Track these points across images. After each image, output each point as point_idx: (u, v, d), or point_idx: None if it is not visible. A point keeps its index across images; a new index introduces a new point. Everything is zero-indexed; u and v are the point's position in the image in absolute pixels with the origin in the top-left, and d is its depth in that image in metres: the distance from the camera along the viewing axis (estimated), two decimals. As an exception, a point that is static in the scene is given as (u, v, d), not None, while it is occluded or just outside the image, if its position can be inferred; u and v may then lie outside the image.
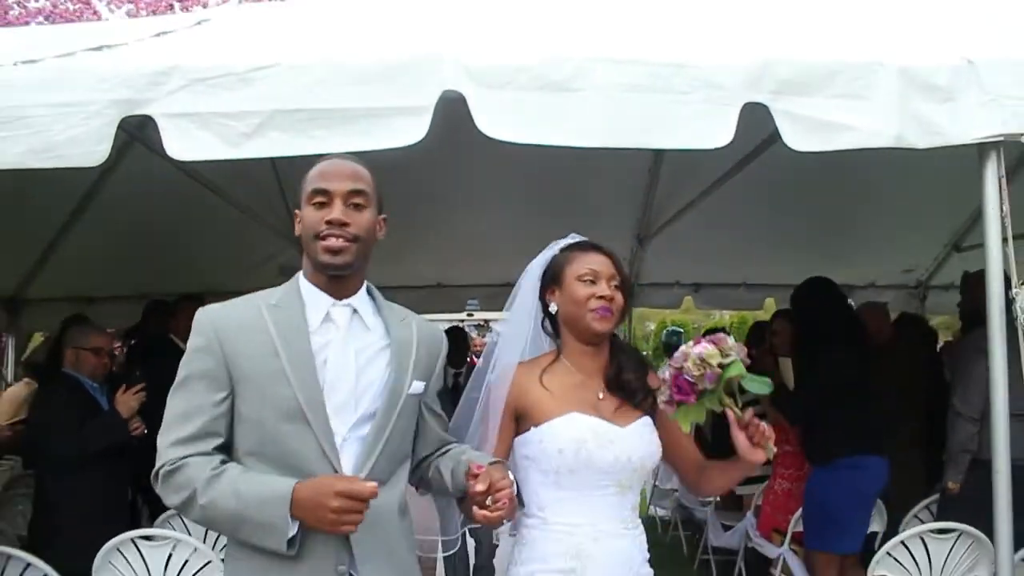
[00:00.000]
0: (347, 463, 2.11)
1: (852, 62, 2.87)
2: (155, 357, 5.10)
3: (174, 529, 3.83)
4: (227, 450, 2.12)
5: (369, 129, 2.75)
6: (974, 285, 4.16)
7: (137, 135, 3.15)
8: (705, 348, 2.19)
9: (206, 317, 2.17)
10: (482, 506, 2.09)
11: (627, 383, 2.46)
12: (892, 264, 7.26)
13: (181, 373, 2.14)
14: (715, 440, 5.16)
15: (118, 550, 3.60)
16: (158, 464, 2.08)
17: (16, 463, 5.76)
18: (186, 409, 2.09)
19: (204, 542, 3.68)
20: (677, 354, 2.24)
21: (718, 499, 6.41)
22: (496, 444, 2.46)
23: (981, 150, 2.94)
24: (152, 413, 2.20)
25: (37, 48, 3.09)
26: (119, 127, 2.79)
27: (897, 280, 7.55)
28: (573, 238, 2.59)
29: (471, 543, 5.42)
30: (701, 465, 2.56)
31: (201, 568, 3.60)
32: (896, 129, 2.83)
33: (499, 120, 2.76)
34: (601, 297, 2.41)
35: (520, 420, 2.45)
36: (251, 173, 4.26)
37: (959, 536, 3.76)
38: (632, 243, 6.62)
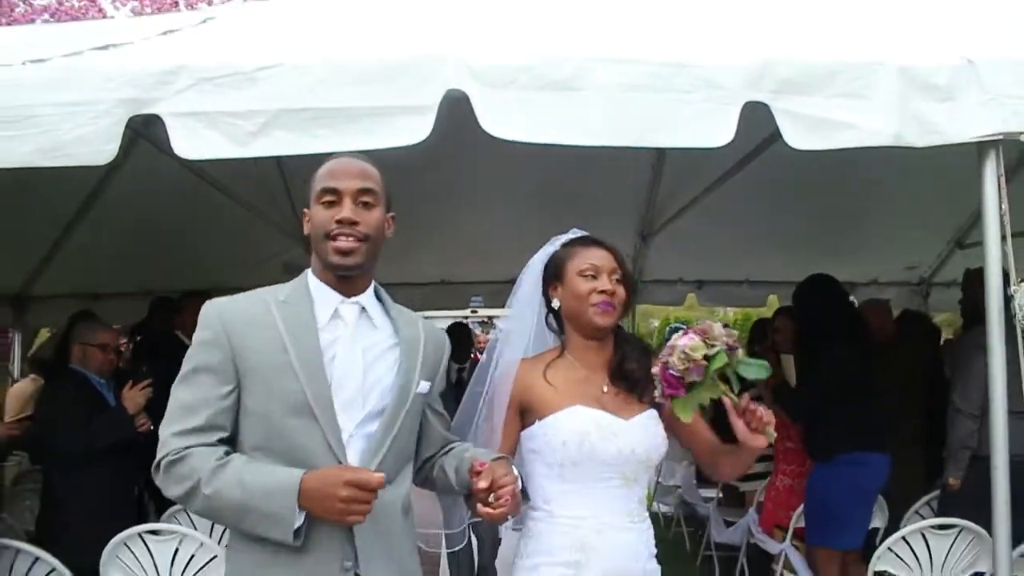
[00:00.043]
0: (353, 459, 2.11)
1: (852, 61, 2.89)
2: (161, 353, 5.12)
3: (180, 524, 3.85)
4: (231, 444, 2.11)
5: (374, 128, 2.78)
6: (974, 282, 4.18)
7: (143, 133, 3.18)
8: (690, 340, 2.19)
9: (214, 311, 2.17)
10: (485, 503, 2.10)
11: (630, 373, 2.46)
12: (895, 261, 7.26)
13: (187, 365, 2.14)
14: (717, 427, 5.19)
15: (125, 544, 3.63)
16: (160, 454, 2.07)
17: (23, 459, 5.80)
18: (191, 401, 2.08)
19: (210, 537, 3.71)
20: (665, 347, 2.24)
21: (720, 495, 6.44)
22: (501, 439, 2.47)
23: (980, 149, 2.96)
24: (158, 409, 2.17)
25: (44, 47, 3.12)
26: (126, 125, 2.82)
27: (900, 277, 7.54)
28: (574, 233, 2.60)
29: (474, 540, 5.43)
30: (716, 449, 2.55)
31: (207, 563, 3.63)
32: (895, 128, 2.85)
33: (502, 119, 2.78)
34: (602, 292, 2.42)
35: (525, 414, 2.47)
36: (256, 171, 4.29)
37: (960, 532, 3.77)
38: (635, 240, 6.63)
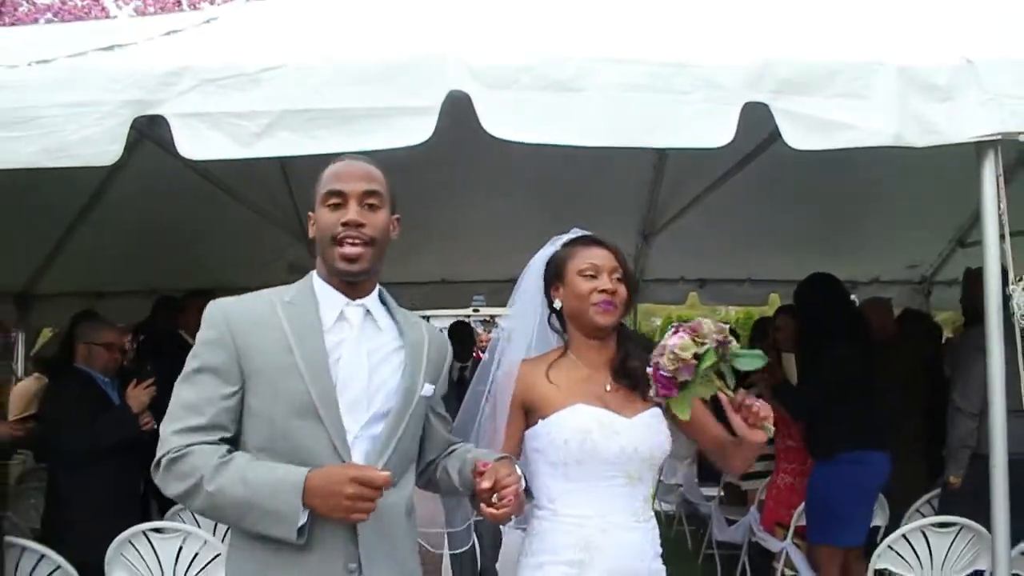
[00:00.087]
0: (358, 461, 2.10)
1: (852, 62, 2.90)
2: (164, 352, 5.14)
3: (184, 522, 3.87)
4: (233, 445, 2.10)
5: (376, 129, 2.79)
6: (974, 282, 4.20)
7: (147, 133, 3.19)
8: (680, 340, 2.19)
9: (219, 310, 2.16)
10: (489, 503, 2.10)
11: (633, 371, 2.45)
12: (896, 260, 7.26)
13: (191, 364, 2.12)
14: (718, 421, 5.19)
15: (130, 542, 3.65)
16: (161, 451, 2.04)
17: (28, 457, 5.82)
18: (194, 400, 2.07)
19: (214, 535, 3.73)
20: (656, 347, 2.24)
21: (722, 494, 6.45)
22: (505, 439, 2.48)
23: (979, 149, 2.97)
24: (162, 408, 2.15)
25: (48, 47, 3.14)
26: (130, 126, 2.83)
27: (901, 276, 7.53)
28: (575, 233, 2.60)
29: (476, 541, 5.42)
30: (724, 441, 2.51)
31: (211, 560, 3.65)
32: (895, 128, 2.86)
33: (503, 120, 2.80)
34: (603, 291, 2.42)
35: (529, 414, 2.47)
36: (259, 171, 4.30)
37: (960, 530, 3.79)
38: (637, 239, 6.64)
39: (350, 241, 2.13)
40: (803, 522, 4.82)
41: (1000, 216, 2.96)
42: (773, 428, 2.25)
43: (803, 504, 4.80)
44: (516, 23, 3.30)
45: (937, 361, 5.63)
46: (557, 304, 2.54)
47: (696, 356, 2.17)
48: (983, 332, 3.06)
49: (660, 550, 2.50)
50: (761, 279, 7.60)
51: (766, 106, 2.86)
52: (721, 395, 2.23)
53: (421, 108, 2.80)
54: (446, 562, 4.58)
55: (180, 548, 3.68)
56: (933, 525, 3.88)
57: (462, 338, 6.77)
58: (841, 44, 3.10)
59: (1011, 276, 2.98)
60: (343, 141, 2.76)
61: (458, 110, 2.82)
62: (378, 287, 2.28)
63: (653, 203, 6.19)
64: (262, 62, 2.85)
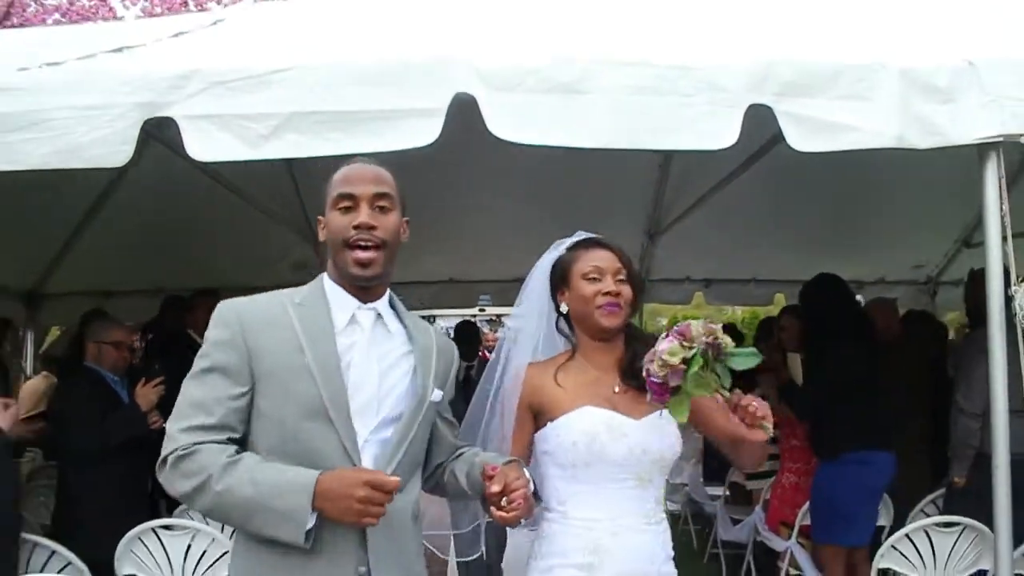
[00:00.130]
0: (367, 465, 2.09)
1: (854, 64, 2.92)
2: (172, 352, 5.18)
3: (192, 520, 3.90)
4: (241, 446, 2.07)
5: (384, 131, 2.81)
6: (978, 282, 4.21)
7: (155, 134, 3.22)
8: (669, 344, 2.17)
9: (231, 310, 2.14)
10: (499, 506, 2.11)
11: (640, 372, 2.39)
12: (902, 260, 7.25)
13: (200, 364, 2.10)
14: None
15: (139, 539, 3.69)
16: (168, 449, 2.02)
17: (37, 455, 5.85)
18: (203, 399, 2.05)
19: (222, 532, 3.76)
20: (648, 353, 2.23)
21: (727, 493, 6.47)
22: (514, 442, 2.49)
23: (981, 150, 2.99)
24: (170, 407, 2.13)
25: (57, 49, 3.17)
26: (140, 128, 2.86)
27: (907, 276, 7.52)
28: (579, 235, 2.60)
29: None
30: (734, 438, 2.45)
31: (219, 558, 3.68)
32: (897, 130, 2.87)
33: (509, 122, 2.82)
34: (607, 293, 2.42)
35: (537, 417, 2.47)
36: (265, 171, 4.32)
37: (963, 530, 3.80)
38: (643, 239, 6.64)
39: (362, 244, 2.13)
40: (808, 521, 4.83)
41: (1003, 217, 2.97)
42: (772, 427, 2.24)
43: (808, 503, 4.81)
44: (522, 26, 3.32)
45: (942, 361, 5.63)
46: (563, 308, 2.54)
47: (685, 360, 2.16)
48: (987, 333, 3.07)
49: (672, 553, 2.49)
50: (766, 279, 7.59)
51: (770, 108, 2.88)
52: (717, 395, 2.21)
53: (428, 110, 2.82)
54: (452, 565, 4.59)
55: (189, 545, 3.72)
56: (936, 525, 3.89)
57: (468, 338, 6.80)
58: (843, 46, 3.11)
59: (1014, 277, 2.99)
60: (350, 143, 2.78)
61: (465, 110, 2.83)
62: (388, 291, 2.27)
63: (659, 203, 6.19)
64: (270, 64, 2.87)
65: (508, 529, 2.62)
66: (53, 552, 3.69)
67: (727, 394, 2.20)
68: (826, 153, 2.90)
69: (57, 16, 12.27)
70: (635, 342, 2.51)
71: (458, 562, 4.59)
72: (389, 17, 3.55)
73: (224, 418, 2.05)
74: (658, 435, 2.41)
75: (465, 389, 2.86)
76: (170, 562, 3.70)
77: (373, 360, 2.16)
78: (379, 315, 2.22)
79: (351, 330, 2.17)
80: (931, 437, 5.14)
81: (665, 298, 8.11)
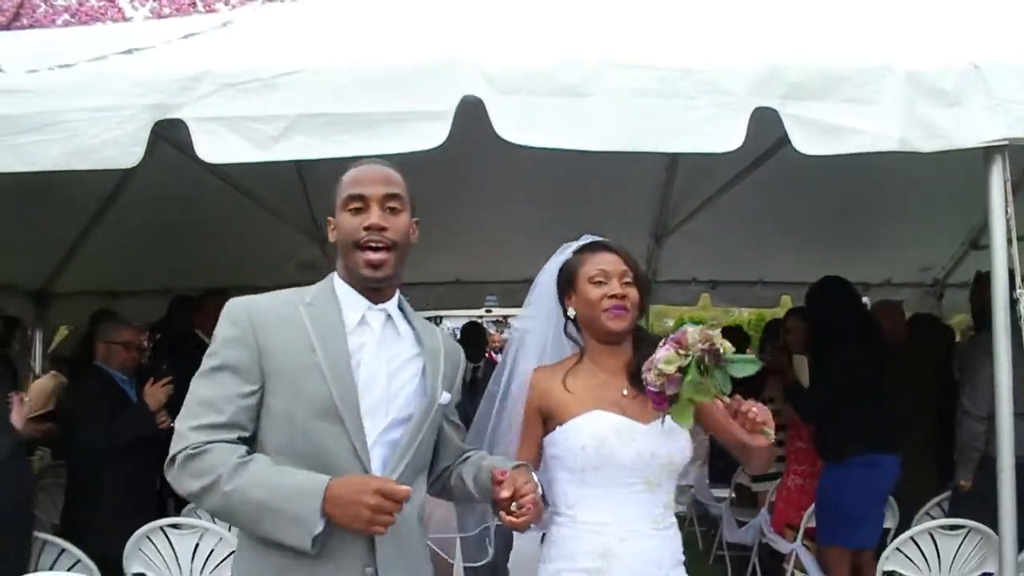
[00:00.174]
0: (376, 465, 2.09)
1: (860, 67, 2.93)
2: (180, 352, 5.21)
3: (200, 519, 3.92)
4: (250, 444, 2.05)
5: (391, 133, 2.83)
6: (984, 285, 4.21)
7: (164, 135, 3.24)
8: (666, 353, 2.18)
9: (241, 308, 2.12)
10: (508, 511, 2.11)
11: None
12: (909, 262, 7.25)
13: (210, 361, 2.08)
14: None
15: (148, 537, 3.71)
16: (177, 447, 1.99)
17: (45, 454, 5.89)
18: (213, 397, 2.03)
19: (230, 531, 3.78)
20: (645, 362, 2.24)
21: (733, 495, 6.47)
22: (523, 447, 2.49)
23: (987, 154, 2.99)
24: (178, 407, 2.11)
25: (68, 51, 3.19)
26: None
27: (914, 278, 7.52)
28: (585, 239, 2.60)
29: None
30: (742, 440, 2.46)
31: (227, 557, 3.70)
32: (902, 133, 2.89)
33: (515, 124, 2.83)
34: (613, 296, 2.42)
35: (547, 421, 2.47)
36: (273, 171, 4.35)
37: (968, 532, 3.80)
38: (649, 241, 6.65)
39: (373, 245, 2.12)
40: (813, 524, 4.83)
41: (1008, 220, 2.98)
42: (774, 432, 2.24)
43: (813, 505, 4.81)
44: (528, 29, 3.33)
45: (947, 364, 5.63)
46: (571, 312, 2.54)
47: (681, 369, 2.17)
48: (992, 336, 3.07)
49: (682, 557, 2.48)
50: (773, 281, 7.59)
51: (775, 111, 2.89)
52: (717, 402, 2.22)
53: (435, 113, 2.84)
54: (458, 568, 4.60)
55: (197, 544, 3.74)
56: (941, 528, 3.89)
57: (475, 339, 6.81)
58: (849, 49, 3.12)
59: (1019, 280, 2.99)
60: (358, 145, 2.80)
61: (472, 112, 2.85)
62: (398, 293, 2.27)
63: (665, 205, 6.21)
64: (280, 67, 2.89)
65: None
66: (63, 550, 3.73)
67: (727, 400, 2.21)
68: (831, 156, 2.91)
69: (66, 17, 12.30)
70: (644, 345, 2.47)
71: (465, 567, 4.60)
72: (397, 20, 3.57)
73: (234, 416, 2.03)
74: (667, 439, 2.39)
75: (471, 390, 2.86)
76: (178, 561, 3.73)
77: (383, 361, 2.15)
78: (389, 316, 2.21)
79: (361, 330, 2.16)
80: (937, 440, 5.13)
81: (671, 300, 8.12)
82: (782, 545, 5.21)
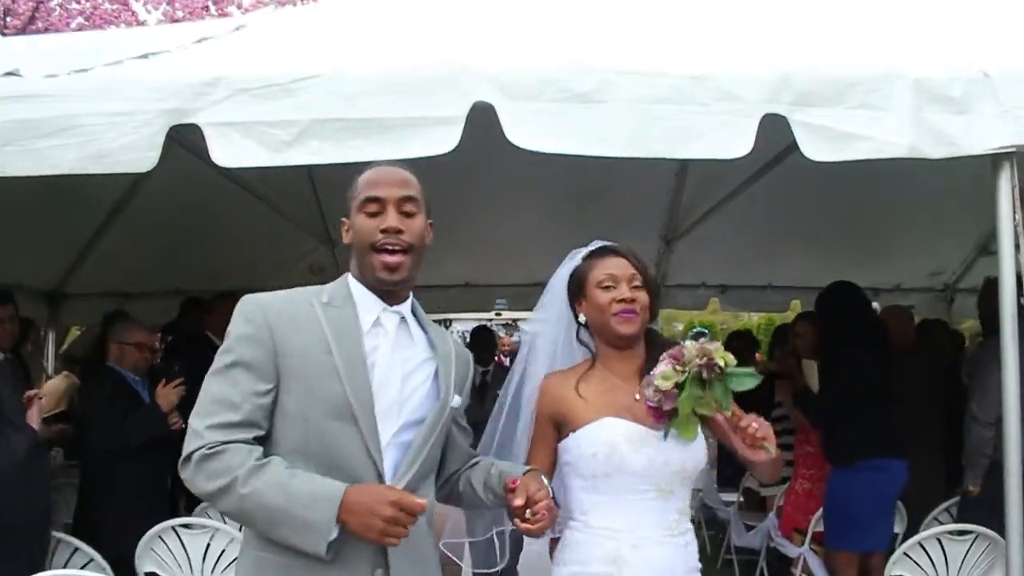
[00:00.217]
0: (388, 468, 2.08)
1: (869, 74, 2.94)
2: (192, 353, 5.24)
3: (210, 518, 3.96)
4: (264, 444, 2.03)
5: (404, 138, 2.85)
6: (993, 291, 4.21)
7: (178, 138, 3.27)
8: (663, 369, 2.19)
9: (257, 306, 2.10)
10: (523, 518, 2.11)
11: None
12: (919, 267, 7.24)
13: (225, 358, 2.05)
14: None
15: (159, 537, 3.75)
16: (193, 446, 1.96)
17: (58, 454, 5.93)
18: (228, 395, 2.00)
19: (240, 531, 3.81)
20: (645, 377, 2.26)
21: (741, 499, 6.47)
22: (536, 453, 2.50)
23: (995, 161, 3.00)
24: (189, 408, 2.09)
25: (84, 55, 3.23)
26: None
27: (924, 283, 7.51)
28: (595, 244, 2.59)
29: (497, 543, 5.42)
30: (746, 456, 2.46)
31: (238, 557, 3.73)
32: (910, 140, 2.90)
33: (527, 131, 2.85)
34: (621, 300, 2.41)
35: (560, 427, 2.47)
36: (284, 175, 4.39)
37: (976, 538, 3.81)
38: (659, 245, 6.66)
39: (389, 248, 2.11)
40: (820, 528, 4.83)
41: (1016, 227, 2.99)
42: (773, 450, 2.23)
43: (820, 509, 4.81)
44: (540, 37, 3.35)
45: (956, 369, 5.63)
46: (582, 318, 2.54)
47: (678, 385, 2.18)
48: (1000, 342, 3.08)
49: (698, 564, 2.49)
50: (782, 285, 7.59)
51: (784, 118, 2.90)
52: (718, 416, 2.22)
53: (447, 118, 2.86)
54: (467, 573, 4.61)
55: (208, 544, 3.77)
56: (949, 533, 3.90)
57: (485, 343, 6.84)
58: (858, 57, 3.13)
59: (1026, 286, 3.00)
60: (371, 149, 2.82)
61: (484, 116, 2.87)
62: (411, 296, 2.26)
63: (675, 209, 6.21)
64: (293, 72, 2.92)
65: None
66: (76, 549, 3.77)
67: (727, 413, 2.21)
68: (840, 162, 2.93)
69: (81, 20, 12.39)
70: (656, 350, 2.46)
71: (475, 573, 4.61)
72: (409, 25, 3.60)
73: (250, 415, 2.01)
74: (679, 446, 2.36)
75: (480, 395, 2.88)
76: (189, 560, 3.76)
77: (397, 363, 2.14)
78: (403, 318, 2.21)
79: (375, 332, 2.15)
80: (945, 445, 5.13)
81: (681, 303, 8.13)
82: (790, 549, 5.21)
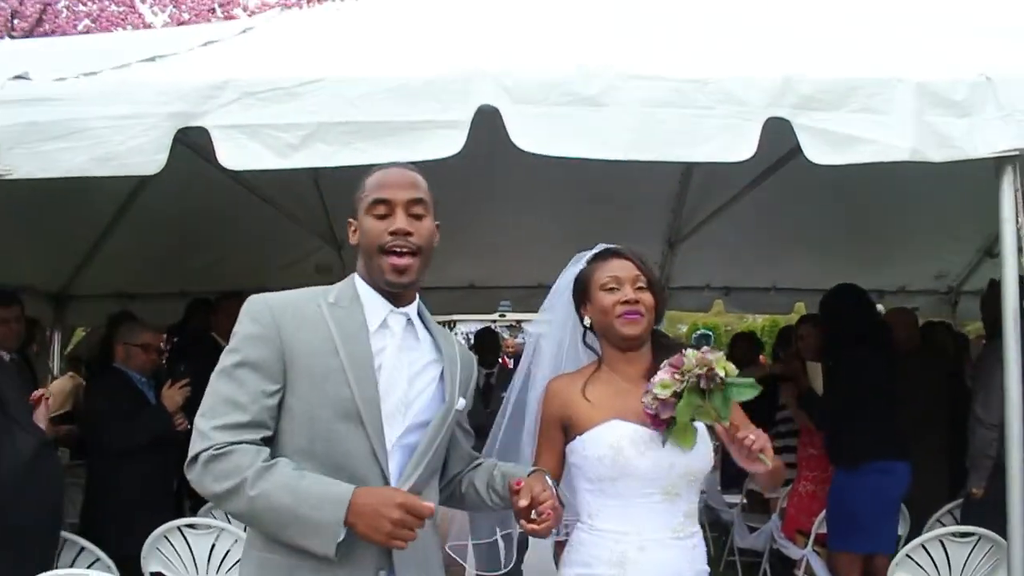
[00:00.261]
0: (393, 470, 2.08)
1: (871, 77, 2.95)
2: (197, 354, 5.26)
3: (216, 519, 3.96)
4: (270, 445, 2.02)
5: (409, 141, 2.87)
6: (996, 293, 4.21)
7: (185, 140, 3.29)
8: (662, 378, 2.19)
9: (264, 306, 2.09)
10: (528, 520, 2.12)
11: None
12: (924, 269, 7.22)
13: (232, 358, 2.04)
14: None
15: (165, 537, 3.76)
16: (200, 446, 1.95)
17: (64, 454, 5.95)
18: (235, 395, 1.99)
19: (246, 532, 3.82)
20: (645, 385, 2.26)
21: (744, 501, 6.47)
22: (544, 456, 2.49)
23: (998, 164, 3.01)
24: (195, 409, 2.07)
25: (92, 58, 3.25)
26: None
27: (928, 285, 7.50)
28: (599, 247, 2.59)
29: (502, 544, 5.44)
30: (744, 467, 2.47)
31: (240, 558, 3.74)
32: (912, 143, 2.90)
33: (532, 134, 2.87)
34: (625, 302, 2.41)
35: (567, 430, 2.47)
36: (290, 177, 4.41)
37: (978, 540, 3.80)
38: (663, 247, 6.67)
39: (398, 250, 2.10)
40: (823, 529, 4.84)
41: (1019, 230, 2.99)
42: (770, 462, 2.22)
43: (824, 511, 4.81)
44: (545, 41, 3.37)
45: (960, 372, 5.62)
46: (587, 321, 2.54)
47: (676, 394, 2.18)
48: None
49: (706, 568, 2.49)
50: (786, 287, 7.59)
51: (788, 122, 2.91)
52: (717, 426, 2.23)
53: (452, 122, 2.87)
54: (471, 574, 4.63)
55: (213, 545, 3.78)
56: (952, 535, 3.90)
57: (489, 345, 6.85)
58: (861, 60, 3.15)
59: (1028, 289, 3.01)
60: (377, 153, 2.83)
61: (488, 119, 2.88)
62: (418, 298, 2.26)
63: (679, 211, 6.22)
64: (299, 76, 2.93)
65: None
66: (82, 548, 3.79)
67: (726, 424, 2.22)
68: (843, 166, 2.94)
69: (87, 22, 12.43)
70: (663, 351, 2.46)
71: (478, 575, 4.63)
72: (415, 29, 3.62)
73: (258, 415, 2.00)
74: (684, 449, 2.37)
75: (484, 396, 2.89)
76: (195, 560, 3.77)
77: (403, 365, 2.14)
78: (409, 320, 2.20)
79: (382, 333, 2.14)
80: (949, 447, 5.13)
81: (685, 305, 8.11)
82: (793, 551, 5.21)
